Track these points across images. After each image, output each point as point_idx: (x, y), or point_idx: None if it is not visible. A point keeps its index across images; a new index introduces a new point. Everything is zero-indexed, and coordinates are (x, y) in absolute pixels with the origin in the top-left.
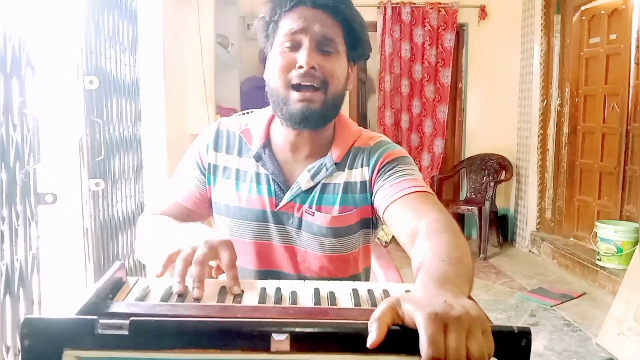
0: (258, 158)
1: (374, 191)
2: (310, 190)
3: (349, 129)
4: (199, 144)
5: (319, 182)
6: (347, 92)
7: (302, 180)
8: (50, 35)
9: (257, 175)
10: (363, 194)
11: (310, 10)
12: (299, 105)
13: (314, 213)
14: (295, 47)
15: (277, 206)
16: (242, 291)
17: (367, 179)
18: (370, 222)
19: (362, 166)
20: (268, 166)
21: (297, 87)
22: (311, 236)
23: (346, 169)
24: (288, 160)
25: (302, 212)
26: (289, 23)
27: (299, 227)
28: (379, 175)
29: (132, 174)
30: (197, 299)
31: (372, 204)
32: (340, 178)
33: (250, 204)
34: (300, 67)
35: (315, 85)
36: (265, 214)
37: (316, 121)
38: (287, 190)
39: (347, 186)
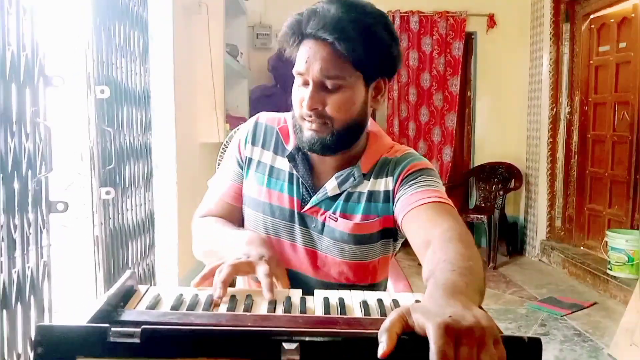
0: (291, 159)
1: (396, 200)
2: (335, 197)
3: (381, 142)
4: (239, 138)
5: (345, 190)
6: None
7: (330, 187)
8: (62, 45)
9: (290, 175)
10: (386, 204)
11: (313, 46)
12: (309, 133)
13: (337, 219)
14: (305, 83)
15: (302, 208)
16: (275, 301)
17: (390, 188)
18: (392, 232)
19: (386, 176)
20: (300, 168)
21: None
22: (332, 242)
23: (371, 179)
24: (319, 166)
25: (325, 217)
26: (297, 60)
27: (322, 231)
28: (401, 185)
29: (142, 182)
30: (218, 299)
31: (393, 213)
32: (365, 187)
33: (279, 202)
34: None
35: (321, 122)
36: (292, 213)
37: (324, 149)
38: (313, 194)
39: (371, 195)
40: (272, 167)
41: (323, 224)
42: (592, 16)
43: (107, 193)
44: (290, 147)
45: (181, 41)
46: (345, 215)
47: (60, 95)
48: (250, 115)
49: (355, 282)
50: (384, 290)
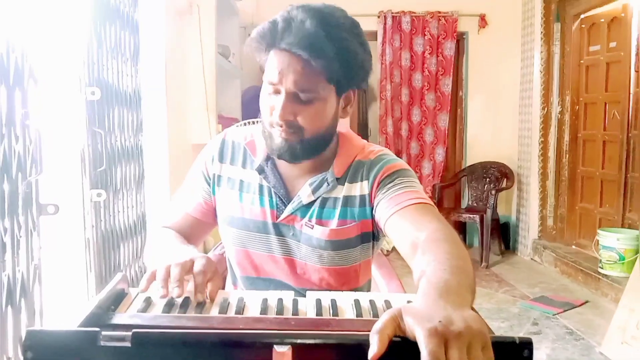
0: (261, 171)
1: (375, 205)
2: (310, 204)
3: (352, 144)
4: (205, 155)
5: (319, 196)
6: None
7: (303, 194)
8: (52, 46)
9: (260, 187)
10: (362, 208)
11: (287, 57)
12: (279, 140)
13: (313, 226)
14: (276, 92)
15: (278, 218)
16: (205, 301)
17: (366, 192)
18: (371, 235)
19: (361, 180)
20: (270, 179)
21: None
22: (310, 249)
23: (346, 183)
24: (290, 174)
25: (302, 225)
26: (269, 69)
27: (299, 239)
28: (378, 188)
29: (134, 184)
30: (180, 298)
31: (372, 217)
32: (340, 192)
33: (252, 215)
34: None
35: (291, 131)
36: (266, 225)
37: (293, 157)
38: (288, 203)
39: (347, 200)
40: (241, 182)
41: (300, 232)
42: (582, 16)
43: (99, 195)
44: (258, 159)
45: (172, 42)
46: (321, 221)
47: (51, 97)
48: (243, 117)
49: (337, 288)
50: (367, 291)
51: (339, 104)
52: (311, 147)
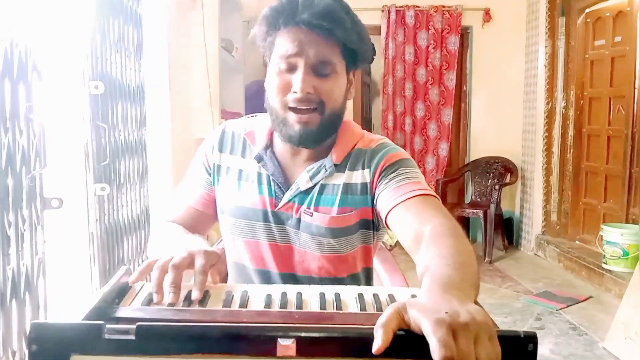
0: (259, 159)
1: (376, 195)
2: (309, 190)
3: (352, 132)
4: (206, 146)
5: (317, 183)
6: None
7: (301, 180)
8: (56, 41)
9: (259, 175)
10: (363, 196)
11: (305, 32)
12: (297, 127)
13: (312, 213)
14: (291, 69)
15: (276, 206)
16: (202, 298)
17: (367, 181)
18: (371, 223)
19: (362, 168)
20: (269, 167)
21: (295, 109)
22: (310, 236)
23: (346, 171)
24: (289, 162)
25: (300, 213)
26: (284, 44)
27: (298, 227)
28: (380, 178)
29: (138, 178)
30: (172, 304)
31: (373, 206)
32: (340, 179)
33: (251, 204)
34: (296, 92)
35: (311, 107)
36: (266, 213)
37: (314, 141)
38: (286, 191)
39: (347, 187)
40: (240, 171)
41: (299, 220)
42: (587, 10)
43: (102, 189)
44: (257, 148)
45: (176, 36)
46: (321, 208)
47: (55, 91)
48: (247, 111)
49: (335, 275)
50: (365, 280)
51: (347, 82)
52: (329, 126)
